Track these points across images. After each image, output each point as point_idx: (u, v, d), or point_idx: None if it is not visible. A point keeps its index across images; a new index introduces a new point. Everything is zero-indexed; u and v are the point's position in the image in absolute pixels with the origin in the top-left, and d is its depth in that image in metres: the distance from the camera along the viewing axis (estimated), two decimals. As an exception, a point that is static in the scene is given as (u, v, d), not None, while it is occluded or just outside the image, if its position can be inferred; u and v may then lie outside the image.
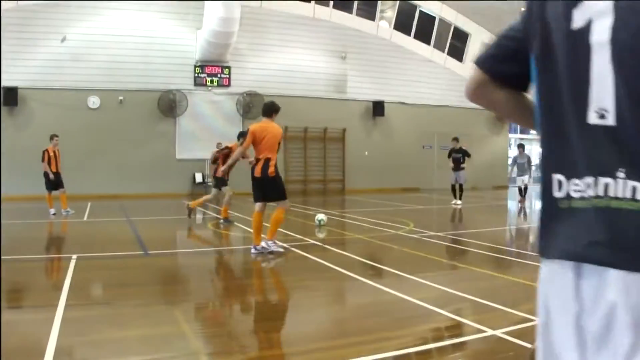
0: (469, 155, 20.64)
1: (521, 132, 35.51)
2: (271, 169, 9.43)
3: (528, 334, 5.37)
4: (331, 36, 26.53)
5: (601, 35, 1.27)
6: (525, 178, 21.90)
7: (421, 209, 19.20)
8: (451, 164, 20.69)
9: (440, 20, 29.54)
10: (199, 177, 24.11)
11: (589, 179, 1.33)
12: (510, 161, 23.81)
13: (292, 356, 4.82)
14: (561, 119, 1.41)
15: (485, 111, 30.87)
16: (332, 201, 22.14)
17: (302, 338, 5.39)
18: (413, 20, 28.88)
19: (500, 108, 1.94)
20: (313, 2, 26.26)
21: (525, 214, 19.43)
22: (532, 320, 5.79)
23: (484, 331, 5.44)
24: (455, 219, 17.12)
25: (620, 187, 1.27)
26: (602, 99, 1.29)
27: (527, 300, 6.85)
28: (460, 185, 20.44)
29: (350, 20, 27.18)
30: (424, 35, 29.39)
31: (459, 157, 20.51)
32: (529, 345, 4.93)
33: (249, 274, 8.98)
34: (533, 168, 22.13)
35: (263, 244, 9.67)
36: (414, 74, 28.82)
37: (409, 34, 28.90)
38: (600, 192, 1.30)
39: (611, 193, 1.28)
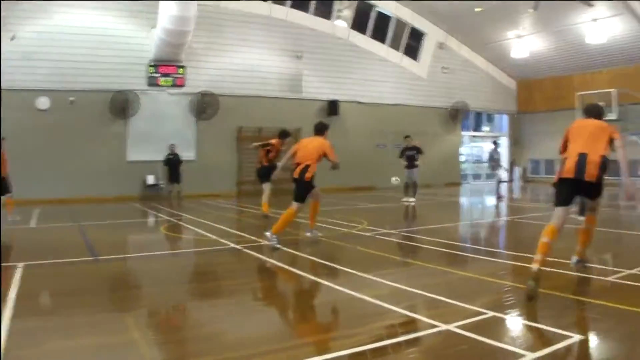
0: (422, 152, 20.74)
1: (474, 130, 35.91)
2: (308, 174, 11.13)
3: (481, 328, 5.42)
4: (287, 35, 26.45)
5: None
6: (501, 173, 22.39)
7: (375, 207, 19.24)
8: (404, 162, 20.74)
9: (396, 19, 29.70)
10: (150, 180, 23.74)
11: None
12: (487, 157, 23.82)
13: (247, 359, 4.76)
14: None
15: (439, 109, 31.26)
16: (287, 201, 21.87)
17: (256, 340, 5.31)
18: (369, 19, 28.99)
19: None
20: (269, 1, 26.18)
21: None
22: (485, 313, 5.85)
23: (438, 326, 5.47)
24: (409, 217, 17.19)
25: None
26: None
27: (481, 294, 6.92)
28: (414, 183, 20.53)
29: (307, 19, 27.15)
30: (380, 34, 29.56)
31: (412, 154, 20.59)
32: (485, 340, 4.96)
33: (201, 277, 8.86)
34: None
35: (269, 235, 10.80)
36: (370, 73, 28.95)
37: (365, 33, 29.01)
38: None
39: None
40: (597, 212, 8.17)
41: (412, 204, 19.61)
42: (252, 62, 25.40)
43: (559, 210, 7.51)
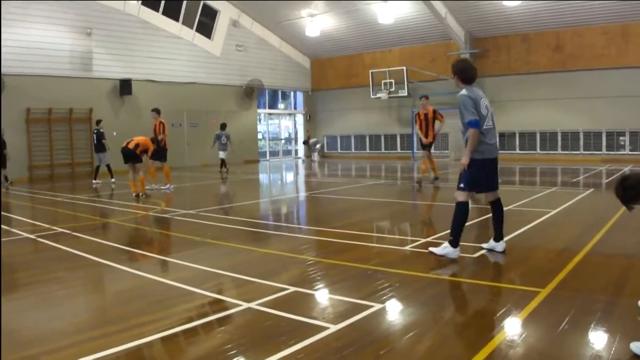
0: (103, 138, 20.79)
1: (270, 107, 36.31)
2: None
3: (284, 303, 5.48)
4: (76, 11, 24.82)
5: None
6: (224, 153, 23.86)
7: (172, 188, 18.87)
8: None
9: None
10: None
11: None
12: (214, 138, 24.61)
13: (46, 355, 4.44)
14: None
15: (234, 87, 31.33)
16: (82, 185, 21.02)
17: (56, 334, 4.95)
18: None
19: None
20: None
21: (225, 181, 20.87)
22: (285, 289, 5.93)
23: (240, 305, 5.48)
24: (207, 196, 17.09)
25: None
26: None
27: (280, 270, 7.01)
28: (107, 166, 20.66)
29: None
30: (172, 11, 28.81)
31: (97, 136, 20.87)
32: (288, 315, 5.00)
33: None
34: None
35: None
36: (162, 50, 28.19)
37: (157, 10, 28.16)
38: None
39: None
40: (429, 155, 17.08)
41: (97, 185, 19.72)
42: (39, 39, 23.52)
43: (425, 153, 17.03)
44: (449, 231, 7.21)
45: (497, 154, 7.39)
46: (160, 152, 17.62)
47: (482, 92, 7.29)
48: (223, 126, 24.34)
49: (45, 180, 22.70)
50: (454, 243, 7.18)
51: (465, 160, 7.05)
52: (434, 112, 16.85)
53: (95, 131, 21.06)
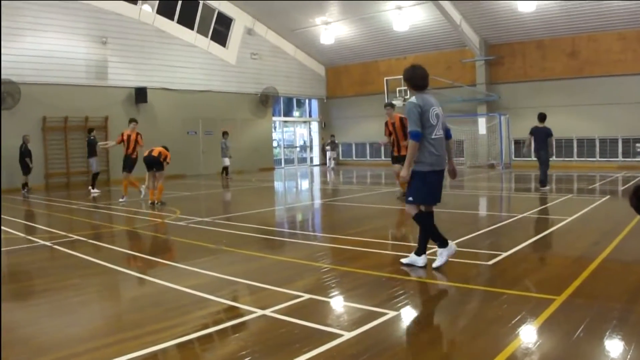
0: (95, 143, 21.14)
1: (285, 115, 36.35)
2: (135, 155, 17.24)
3: (298, 311, 5.48)
4: (91, 20, 24.97)
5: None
6: (227, 160, 25.50)
7: (188, 196, 18.88)
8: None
9: (204, 4, 29.28)
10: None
11: None
12: (222, 145, 25.75)
13: (61, 361, 4.50)
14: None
15: (249, 95, 31.40)
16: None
17: (72, 340, 4.97)
18: (176, 4, 28.29)
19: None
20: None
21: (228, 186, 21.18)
22: (300, 296, 5.92)
23: (255, 312, 5.48)
24: (223, 203, 17.14)
25: None
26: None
27: (295, 277, 7.01)
28: (94, 174, 21.06)
29: (112, 3, 25.89)
30: (187, 20, 28.95)
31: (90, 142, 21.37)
32: (303, 322, 5.01)
33: (11, 278, 8.03)
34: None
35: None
36: (178, 59, 28.31)
37: (172, 18, 28.30)
38: None
39: None
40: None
41: (95, 194, 19.75)
42: (54, 48, 23.63)
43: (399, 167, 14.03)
44: (463, 238, 7.17)
45: (444, 165, 7.11)
46: (132, 162, 17.43)
47: (433, 100, 7.09)
48: (223, 134, 25.54)
49: (62, 188, 22.86)
50: (420, 252, 7.13)
51: (404, 172, 6.94)
52: (401, 119, 15.02)
53: (87, 139, 21.66)
